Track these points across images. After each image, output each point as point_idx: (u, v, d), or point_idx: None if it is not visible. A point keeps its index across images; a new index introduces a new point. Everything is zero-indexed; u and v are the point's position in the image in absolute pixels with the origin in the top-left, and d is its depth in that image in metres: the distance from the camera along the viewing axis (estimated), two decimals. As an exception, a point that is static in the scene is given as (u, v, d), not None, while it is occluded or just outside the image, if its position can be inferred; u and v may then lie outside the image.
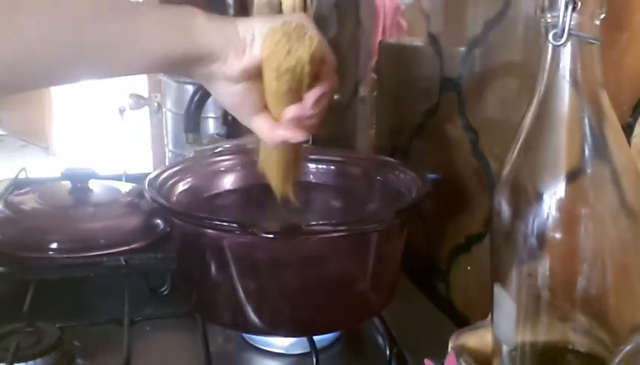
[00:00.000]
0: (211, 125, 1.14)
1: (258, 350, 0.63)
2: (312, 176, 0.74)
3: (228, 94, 0.50)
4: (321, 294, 0.57)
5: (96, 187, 0.88)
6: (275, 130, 0.50)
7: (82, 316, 0.66)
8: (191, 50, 0.46)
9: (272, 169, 0.57)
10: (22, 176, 1.02)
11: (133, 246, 0.78)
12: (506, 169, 0.40)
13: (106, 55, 0.45)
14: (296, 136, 0.51)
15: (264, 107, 0.51)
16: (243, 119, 0.52)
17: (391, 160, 0.71)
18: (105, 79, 0.50)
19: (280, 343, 0.61)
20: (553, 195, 0.37)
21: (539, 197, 0.37)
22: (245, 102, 0.50)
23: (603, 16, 0.37)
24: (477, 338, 0.45)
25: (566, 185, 0.37)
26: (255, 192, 0.68)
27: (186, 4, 0.48)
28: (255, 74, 0.49)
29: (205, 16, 0.47)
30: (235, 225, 0.53)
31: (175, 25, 0.46)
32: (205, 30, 0.47)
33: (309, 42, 0.47)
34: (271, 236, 0.54)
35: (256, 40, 0.47)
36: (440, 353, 0.45)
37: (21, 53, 0.42)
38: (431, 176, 0.68)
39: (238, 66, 0.47)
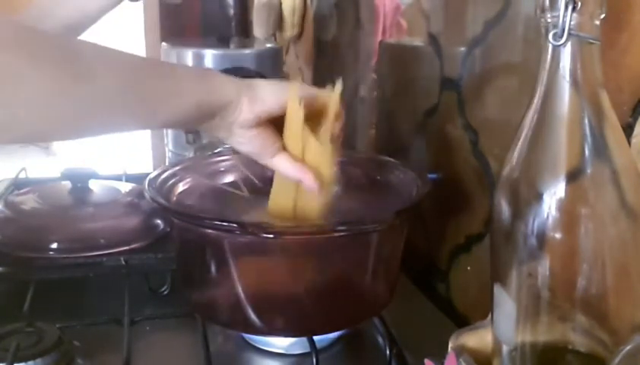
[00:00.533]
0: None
1: (258, 350, 0.63)
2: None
3: (248, 139, 0.55)
4: (321, 294, 0.57)
5: (96, 187, 0.88)
6: (299, 167, 0.56)
7: (82, 316, 0.66)
8: (217, 100, 0.53)
9: (289, 198, 0.59)
10: (22, 176, 1.02)
11: (133, 246, 0.78)
12: (506, 169, 0.40)
13: (151, 109, 0.50)
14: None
15: (283, 147, 0.57)
16: (265, 161, 0.57)
17: (391, 160, 0.71)
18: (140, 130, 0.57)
19: (280, 343, 0.61)
20: (553, 195, 0.37)
21: (539, 197, 0.37)
22: (264, 144, 0.56)
23: (603, 16, 0.37)
24: (477, 338, 0.45)
25: (566, 185, 0.37)
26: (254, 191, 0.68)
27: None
28: (266, 120, 0.55)
29: (221, 73, 0.55)
30: (235, 225, 0.53)
31: (203, 80, 0.54)
32: (224, 83, 0.54)
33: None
34: (271, 236, 0.54)
35: (265, 91, 0.55)
36: (440, 353, 0.45)
37: (81, 113, 0.46)
38: (431, 176, 0.68)
39: (252, 112, 0.54)
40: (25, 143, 0.48)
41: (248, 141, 0.56)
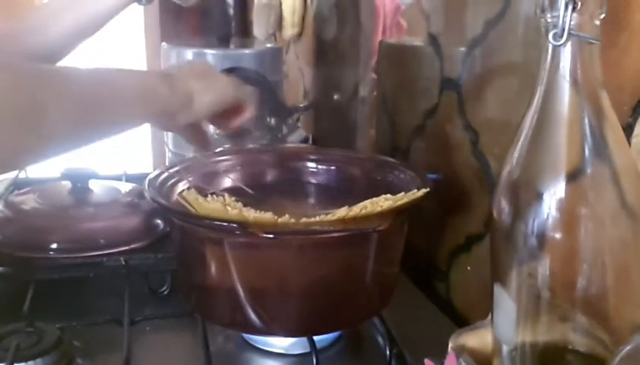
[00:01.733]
0: (211, 125, 1.14)
1: (258, 350, 0.63)
2: (312, 176, 0.74)
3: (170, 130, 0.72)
4: (321, 294, 0.57)
5: (96, 187, 0.88)
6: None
7: (82, 316, 0.66)
8: (159, 115, 0.62)
9: None
10: (22, 176, 1.02)
11: (133, 246, 0.78)
12: (506, 169, 0.40)
13: (105, 133, 0.56)
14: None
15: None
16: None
17: (391, 160, 0.71)
18: None
19: (280, 343, 0.61)
20: (553, 195, 0.37)
21: (539, 197, 0.37)
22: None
23: (603, 16, 0.37)
24: (477, 338, 0.45)
25: (566, 185, 0.37)
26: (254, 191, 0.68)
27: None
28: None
29: (167, 83, 0.61)
30: (235, 225, 0.53)
31: (152, 96, 0.60)
32: (167, 95, 0.60)
33: None
34: (271, 236, 0.54)
35: (195, 100, 0.63)
36: (440, 353, 0.45)
37: (40, 153, 0.51)
38: (431, 176, 0.68)
39: (184, 121, 0.64)
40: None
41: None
